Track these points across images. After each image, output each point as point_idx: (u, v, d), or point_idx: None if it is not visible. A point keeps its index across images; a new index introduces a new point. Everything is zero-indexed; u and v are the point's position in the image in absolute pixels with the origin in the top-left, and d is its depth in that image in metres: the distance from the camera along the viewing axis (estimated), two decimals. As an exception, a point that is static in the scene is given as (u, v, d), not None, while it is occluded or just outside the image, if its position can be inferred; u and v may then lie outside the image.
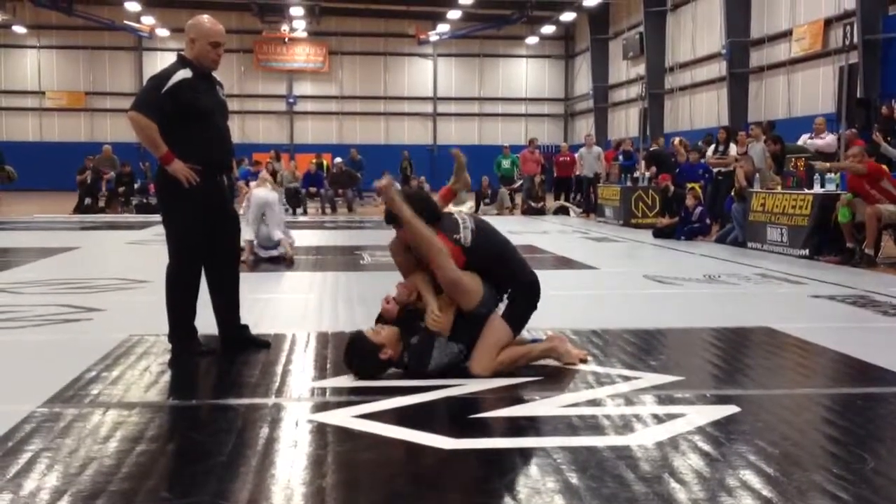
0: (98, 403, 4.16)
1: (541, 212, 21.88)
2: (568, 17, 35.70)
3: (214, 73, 5.35)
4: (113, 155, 24.66)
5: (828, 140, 14.46)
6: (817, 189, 11.30)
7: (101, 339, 5.56)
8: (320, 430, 3.73)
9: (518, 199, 23.41)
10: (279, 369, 4.85)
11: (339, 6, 36.52)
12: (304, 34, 38.37)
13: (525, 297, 4.78)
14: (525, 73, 41.49)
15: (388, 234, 5.05)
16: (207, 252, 5.26)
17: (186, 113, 5.05)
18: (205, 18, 5.29)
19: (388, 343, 4.54)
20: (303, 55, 39.59)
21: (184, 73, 5.09)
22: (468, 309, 4.62)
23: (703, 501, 2.94)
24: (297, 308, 7.23)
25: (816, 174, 11.32)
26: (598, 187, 20.40)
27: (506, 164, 24.17)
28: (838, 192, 10.79)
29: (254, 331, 5.58)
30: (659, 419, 3.91)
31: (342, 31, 39.26)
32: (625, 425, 3.83)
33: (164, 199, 5.20)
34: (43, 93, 38.32)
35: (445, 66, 40.86)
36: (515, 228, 16.71)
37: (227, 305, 5.39)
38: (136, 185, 23.95)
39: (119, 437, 3.63)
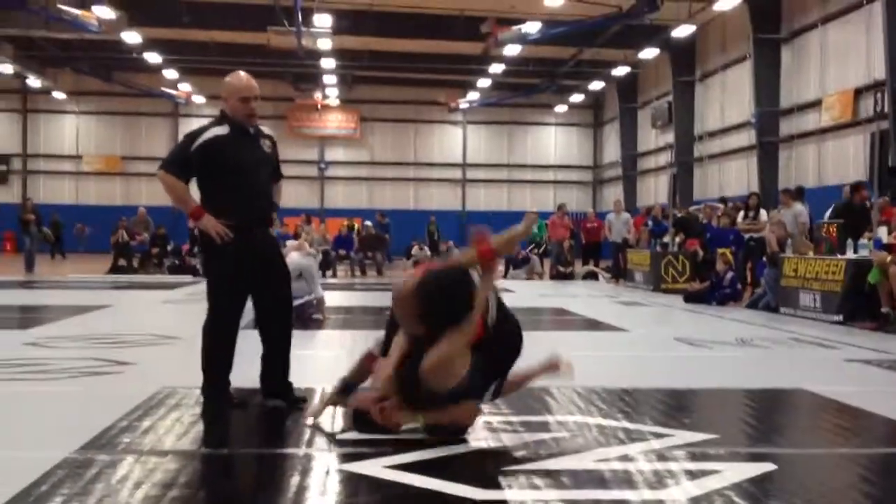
0: (129, 451, 4.17)
1: (569, 277, 21.84)
2: (596, 86, 36.08)
3: (265, 128, 5.37)
4: (148, 217, 25.06)
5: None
6: (850, 254, 11.21)
7: (133, 391, 5.59)
8: (350, 480, 3.71)
9: (546, 263, 23.42)
10: (309, 420, 4.84)
11: (370, 74, 37.18)
12: (337, 101, 39.04)
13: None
14: (554, 141, 41.82)
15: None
16: (256, 306, 5.25)
17: (218, 169, 5.07)
18: (237, 75, 5.28)
19: (393, 420, 4.37)
20: (335, 122, 40.22)
21: (218, 130, 5.12)
22: (442, 387, 4.26)
23: (739, 555, 2.88)
24: (327, 363, 7.23)
25: (849, 240, 11.24)
26: (626, 253, 20.38)
27: (534, 229, 24.30)
28: (871, 257, 10.70)
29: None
30: (693, 475, 3.85)
31: (374, 98, 39.89)
32: (658, 480, 3.77)
33: (202, 254, 5.25)
34: (80, 157, 39.11)
35: (475, 133, 41.30)
36: (545, 292, 16.69)
37: (270, 359, 5.31)
38: (169, 247, 24.24)
39: (150, 484, 3.63)
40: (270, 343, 5.30)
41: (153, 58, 30.85)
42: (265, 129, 5.39)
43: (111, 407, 5.07)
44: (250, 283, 5.17)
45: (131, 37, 27.04)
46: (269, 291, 5.25)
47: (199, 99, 37.44)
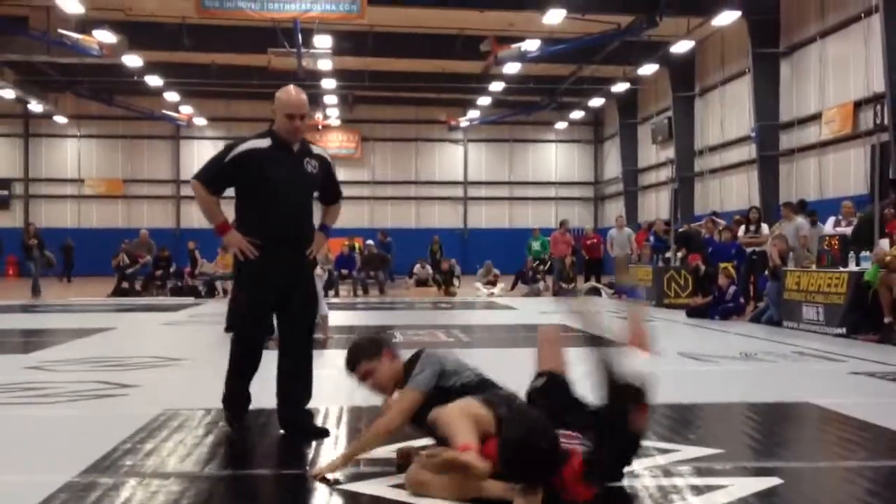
0: (133, 473, 4.16)
1: (572, 293, 21.81)
2: (596, 102, 36.15)
3: (318, 148, 5.24)
4: (150, 240, 25.11)
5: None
6: (852, 267, 11.20)
7: (136, 414, 5.57)
8: (354, 499, 3.70)
9: (549, 279, 23.48)
10: (313, 441, 4.82)
11: (371, 94, 37.28)
12: (338, 122, 39.14)
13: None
14: (555, 158, 41.87)
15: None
16: (279, 330, 5.12)
17: (252, 183, 4.93)
18: (287, 90, 5.11)
19: None
20: (336, 142, 40.28)
21: (257, 143, 4.98)
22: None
23: (746, 570, 2.86)
24: (330, 383, 7.21)
25: (851, 252, 11.24)
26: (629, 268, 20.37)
27: (536, 245, 24.50)
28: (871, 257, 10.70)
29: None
30: (698, 490, 3.83)
31: (374, 118, 39.99)
32: (663, 496, 3.76)
33: (235, 267, 5.14)
34: (82, 180, 39.18)
35: (476, 151, 41.37)
36: (546, 309, 16.66)
37: (285, 386, 5.06)
38: (172, 269, 24.26)
39: (153, 506, 3.62)
40: (286, 370, 5.08)
41: (154, 81, 30.95)
42: (317, 149, 5.22)
43: (114, 430, 5.06)
44: (273, 305, 5.03)
45: (132, 60, 27.14)
46: (290, 315, 5.07)
47: (200, 121, 37.56)
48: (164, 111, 35.61)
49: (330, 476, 3.95)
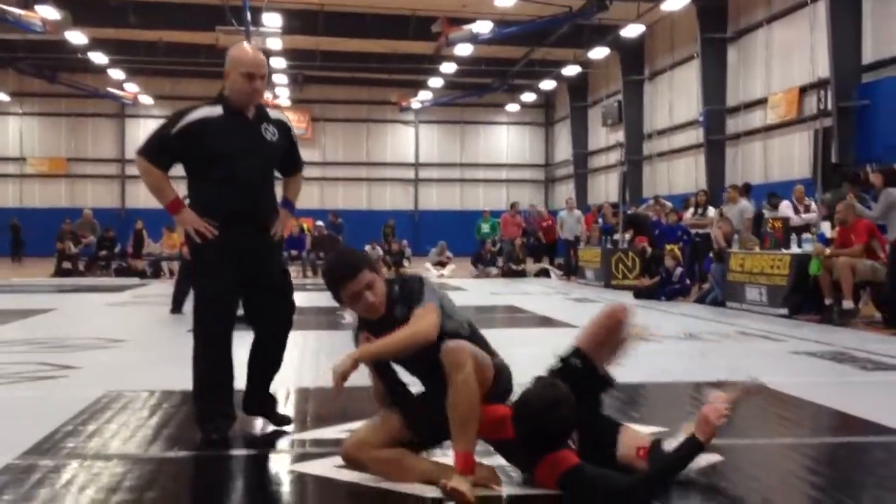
0: (75, 455, 4.10)
1: (521, 274, 21.96)
2: (548, 85, 36.28)
3: (275, 112, 4.68)
4: (94, 220, 24.69)
5: (813, 215, 14.53)
6: (795, 249, 11.42)
7: (77, 396, 5.48)
8: (301, 480, 3.69)
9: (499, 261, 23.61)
10: (260, 422, 4.79)
11: (322, 74, 36.97)
12: (288, 101, 38.75)
13: None
14: (506, 140, 41.97)
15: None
16: (245, 314, 4.64)
17: (204, 156, 4.40)
18: (242, 46, 4.62)
19: None
20: (286, 122, 39.93)
21: (207, 111, 4.44)
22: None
23: (686, 545, 2.92)
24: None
25: (793, 234, 11.46)
26: (578, 250, 20.55)
27: (485, 227, 24.61)
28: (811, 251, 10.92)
29: (235, 385, 5.49)
30: (641, 467, 3.88)
31: (325, 98, 39.67)
32: (607, 474, 3.80)
33: (189, 250, 4.63)
34: (24, 159, 38.34)
35: (427, 133, 41.29)
36: (497, 290, 16.73)
37: (255, 373, 4.66)
38: (116, 250, 23.89)
39: (94, 489, 3.57)
40: (257, 355, 4.64)
41: (99, 58, 30.34)
42: (275, 114, 4.64)
43: (55, 412, 4.97)
44: (237, 288, 4.50)
45: (76, 37, 26.55)
46: (258, 298, 4.56)
47: (146, 100, 36.92)
48: (109, 89, 34.94)
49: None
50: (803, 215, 14.56)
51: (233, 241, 4.41)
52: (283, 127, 4.62)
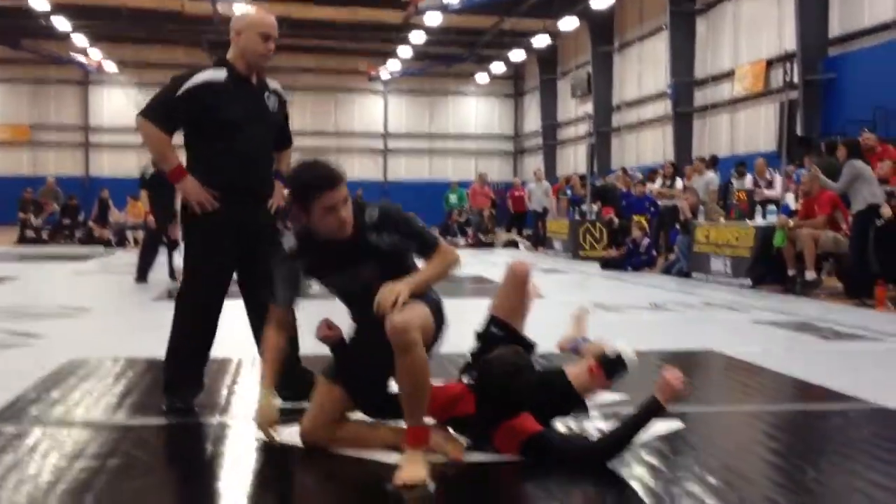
0: (37, 422, 4.07)
1: (490, 245, 22.01)
2: (517, 56, 36.17)
3: (273, 82, 4.50)
4: (56, 188, 24.36)
5: (777, 191, 14.68)
6: (759, 220, 11.54)
7: (41, 363, 5.44)
8: (265, 447, 3.69)
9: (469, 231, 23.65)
10: (224, 391, 4.79)
11: (290, 43, 36.51)
12: (255, 70, 38.35)
13: None
14: (475, 111, 41.85)
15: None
16: (242, 290, 4.50)
17: (208, 123, 4.23)
18: (255, 8, 4.48)
19: None
20: (252, 90, 39.55)
21: (212, 74, 4.25)
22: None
23: (647, 508, 2.96)
24: (241, 333, 7.15)
25: (758, 206, 11.58)
26: (546, 221, 20.63)
27: (453, 198, 24.59)
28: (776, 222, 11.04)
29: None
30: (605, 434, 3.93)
31: (293, 67, 39.24)
32: (571, 440, 3.84)
33: (183, 218, 4.41)
34: (-15, 126, 37.69)
35: (396, 103, 41.07)
36: (465, 260, 16.76)
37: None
38: (80, 218, 23.62)
39: (57, 455, 3.55)
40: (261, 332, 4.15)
41: (62, 24, 29.76)
42: (273, 83, 4.49)
43: (19, 379, 4.93)
44: (233, 262, 4.38)
45: (39, 3, 26.03)
46: (257, 273, 4.32)
47: (110, 66, 36.32)
48: (73, 55, 34.31)
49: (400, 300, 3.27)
50: (765, 191, 14.69)
51: (232, 213, 4.28)
52: (281, 98, 4.51)
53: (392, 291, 3.28)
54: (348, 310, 3.72)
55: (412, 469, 3.24)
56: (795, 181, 13.69)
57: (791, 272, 10.54)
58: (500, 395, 3.55)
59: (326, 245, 3.47)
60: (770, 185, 14.93)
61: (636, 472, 3.40)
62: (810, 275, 10.26)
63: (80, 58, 34.65)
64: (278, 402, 3.73)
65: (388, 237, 3.49)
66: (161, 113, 4.22)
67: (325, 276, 3.60)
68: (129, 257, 14.94)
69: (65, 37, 32.49)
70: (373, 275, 3.44)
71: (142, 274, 11.47)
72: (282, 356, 3.69)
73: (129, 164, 33.42)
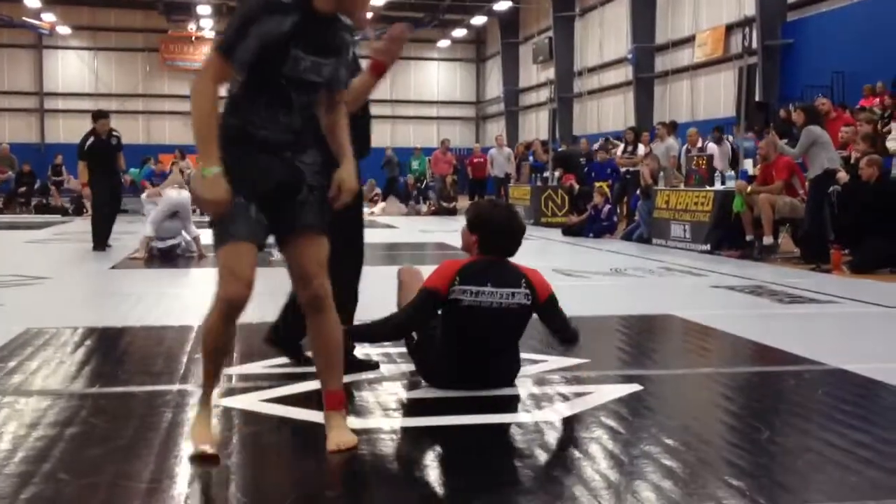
0: (-7, 392, 4.02)
1: (452, 212, 22.00)
2: (479, 21, 35.98)
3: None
4: (11, 154, 23.88)
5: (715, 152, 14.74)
6: (718, 186, 11.64)
7: (-3, 332, 5.36)
8: (226, 414, 3.67)
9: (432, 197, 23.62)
10: (184, 358, 4.76)
11: (248, 6, 36.06)
12: (213, 33, 37.73)
13: None
14: (437, 77, 41.63)
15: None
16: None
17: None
18: None
19: None
20: (211, 55, 38.95)
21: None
22: None
23: (607, 471, 3.00)
24: (204, 301, 7.09)
25: (718, 172, 11.68)
26: (508, 187, 20.64)
27: (415, 164, 24.53)
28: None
29: (160, 322, 5.44)
30: (565, 398, 3.98)
31: (251, 31, 38.79)
32: (534, 403, 3.88)
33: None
34: (-64, 91, 36.80)
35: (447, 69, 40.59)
36: (427, 228, 16.76)
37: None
38: (36, 186, 23.21)
39: (16, 424, 3.51)
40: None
41: (13, -15, 29.07)
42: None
43: (-27, 349, 4.86)
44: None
45: (-13, -38, 25.36)
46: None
47: (63, 30, 35.56)
48: (25, 19, 33.49)
49: None
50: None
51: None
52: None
53: (352, 190, 3.17)
54: (278, 96, 3.08)
55: (343, 433, 3.23)
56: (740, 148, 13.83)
57: (749, 237, 10.67)
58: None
59: (320, 22, 3.05)
60: (701, 150, 15.03)
61: (595, 433, 3.44)
62: (767, 240, 10.39)
63: (33, 21, 33.85)
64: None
65: (353, 54, 3.35)
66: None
67: (300, 49, 3.02)
68: (85, 225, 14.72)
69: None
70: (330, 78, 3.15)
71: (99, 241, 11.36)
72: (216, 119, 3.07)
73: (85, 130, 32.83)
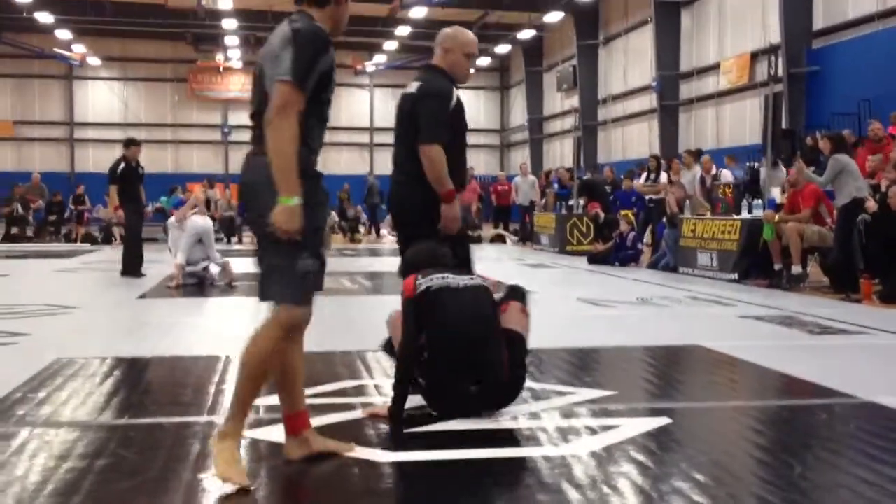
0: (24, 423, 4.05)
1: (477, 240, 21.99)
2: (503, 49, 36.15)
3: None
4: (42, 184, 24.20)
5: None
6: (745, 215, 11.57)
7: (28, 362, 5.41)
8: (254, 446, 3.68)
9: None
10: (212, 388, 4.78)
11: (274, 36, 36.46)
12: (240, 63, 38.17)
13: None
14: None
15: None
16: None
17: (456, 134, 4.51)
18: (460, 28, 4.82)
19: None
20: (238, 85, 39.32)
21: (453, 90, 4.55)
22: None
23: (635, 506, 2.97)
24: (232, 330, 7.13)
25: (745, 200, 11.61)
26: (533, 215, 20.64)
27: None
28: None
29: (189, 352, 5.47)
30: (593, 431, 3.95)
31: (278, 60, 39.17)
32: (561, 437, 3.86)
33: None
34: (-31, 121, 37.39)
35: (382, 97, 40.94)
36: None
37: None
38: (66, 215, 23.49)
39: (46, 455, 3.54)
40: None
41: (45, 18, 29.57)
42: None
43: (5, 379, 4.91)
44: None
45: (21, -5, 25.86)
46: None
47: (94, 61, 36.13)
48: (56, 50, 34.09)
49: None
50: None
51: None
52: None
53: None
54: (323, 118, 3.46)
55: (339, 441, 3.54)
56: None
57: (777, 266, 10.58)
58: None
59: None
60: (716, 178, 14.97)
61: (624, 468, 3.41)
62: (796, 269, 10.30)
63: (64, 52, 34.42)
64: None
65: None
66: (444, 133, 4.40)
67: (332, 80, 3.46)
68: (114, 254, 14.87)
69: (48, 31, 32.29)
70: None
71: (128, 267, 11.51)
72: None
73: (114, 158, 33.20)
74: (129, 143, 12.07)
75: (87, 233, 22.19)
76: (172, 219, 11.71)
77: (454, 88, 4.54)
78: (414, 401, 4.44)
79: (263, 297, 3.35)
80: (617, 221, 15.07)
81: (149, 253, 12.50)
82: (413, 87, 4.60)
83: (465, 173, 4.74)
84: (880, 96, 16.61)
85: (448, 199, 4.40)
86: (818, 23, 19.28)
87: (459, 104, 4.52)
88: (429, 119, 4.40)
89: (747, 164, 15.49)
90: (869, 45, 17.61)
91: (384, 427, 4.02)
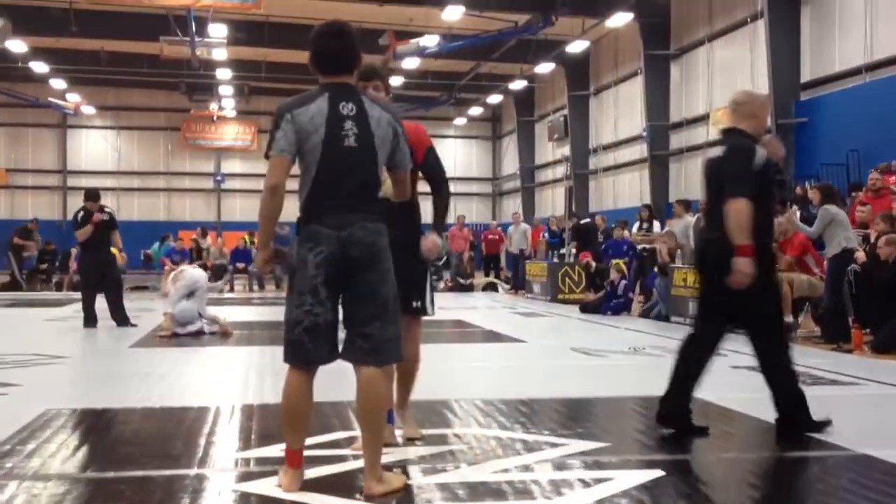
0: (12, 476, 4.01)
1: (469, 288, 22.01)
2: (495, 99, 36.50)
3: None
4: (37, 233, 24.14)
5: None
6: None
7: (16, 414, 5.36)
8: (244, 500, 3.65)
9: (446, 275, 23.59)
10: (202, 441, 4.74)
11: (267, 86, 36.71)
12: (233, 113, 38.44)
13: None
14: (454, 153, 42.05)
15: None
16: None
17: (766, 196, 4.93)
18: (759, 93, 5.10)
19: None
20: (231, 134, 39.58)
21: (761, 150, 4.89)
22: None
23: (629, 561, 2.95)
24: (223, 381, 7.10)
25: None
26: (525, 264, 20.69)
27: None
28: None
29: (180, 403, 5.45)
30: (586, 483, 3.93)
31: (271, 110, 38.76)
32: (554, 489, 3.83)
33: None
34: (-38, 169, 37.45)
35: (374, 146, 41.19)
36: (444, 304, 16.74)
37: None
38: (57, 263, 23.43)
39: (33, 511, 3.50)
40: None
41: (40, 67, 29.77)
42: None
43: (-7, 431, 4.86)
44: None
45: (16, 45, 26.04)
46: None
47: (88, 110, 36.31)
48: (51, 99, 34.26)
49: None
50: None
51: None
52: None
53: None
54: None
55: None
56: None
57: (769, 315, 10.57)
58: None
59: None
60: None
61: (618, 523, 3.39)
62: (787, 319, 10.31)
63: (58, 101, 34.60)
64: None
65: None
66: (749, 185, 4.80)
67: None
68: (104, 302, 14.80)
69: (43, 80, 32.48)
70: None
71: (89, 319, 11.60)
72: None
73: (109, 207, 33.22)
74: (88, 197, 12.23)
75: (78, 281, 22.09)
76: (170, 279, 11.52)
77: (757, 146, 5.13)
78: (403, 454, 4.42)
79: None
80: (608, 270, 15.12)
81: (140, 301, 12.47)
82: None
83: None
84: (869, 147, 16.79)
85: (743, 253, 4.79)
86: (806, 75, 19.55)
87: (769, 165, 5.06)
88: (733, 174, 5.06)
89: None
90: (857, 96, 17.84)
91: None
